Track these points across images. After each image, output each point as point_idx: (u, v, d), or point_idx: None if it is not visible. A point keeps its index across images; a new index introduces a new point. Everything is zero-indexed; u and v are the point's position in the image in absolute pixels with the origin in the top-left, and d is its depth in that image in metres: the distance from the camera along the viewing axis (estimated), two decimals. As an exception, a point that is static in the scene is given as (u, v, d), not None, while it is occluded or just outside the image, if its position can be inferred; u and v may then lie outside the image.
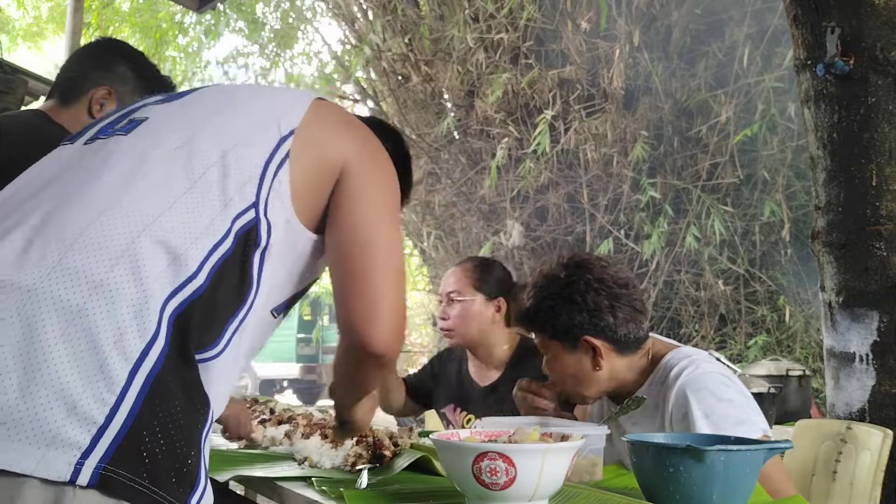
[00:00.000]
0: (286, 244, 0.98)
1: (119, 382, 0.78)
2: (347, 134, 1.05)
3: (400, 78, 8.74)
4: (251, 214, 0.93)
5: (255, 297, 0.94)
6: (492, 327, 2.14)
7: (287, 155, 0.96)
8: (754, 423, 1.39)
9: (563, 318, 1.48)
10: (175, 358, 0.83)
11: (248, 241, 0.92)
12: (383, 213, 1.02)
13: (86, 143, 1.02)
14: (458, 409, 2.22)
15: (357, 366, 1.06)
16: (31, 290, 0.80)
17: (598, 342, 1.47)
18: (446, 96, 8.67)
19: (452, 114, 8.30)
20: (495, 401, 2.09)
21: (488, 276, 2.17)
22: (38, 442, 0.74)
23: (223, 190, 0.92)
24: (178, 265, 0.85)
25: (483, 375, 2.20)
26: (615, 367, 1.50)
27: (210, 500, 0.86)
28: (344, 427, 1.25)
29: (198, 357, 0.87)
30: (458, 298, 2.13)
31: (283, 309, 1.05)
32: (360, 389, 1.16)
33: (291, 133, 0.98)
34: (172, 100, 1.08)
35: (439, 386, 2.30)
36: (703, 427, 1.35)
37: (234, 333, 0.92)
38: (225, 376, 0.92)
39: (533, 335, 1.61)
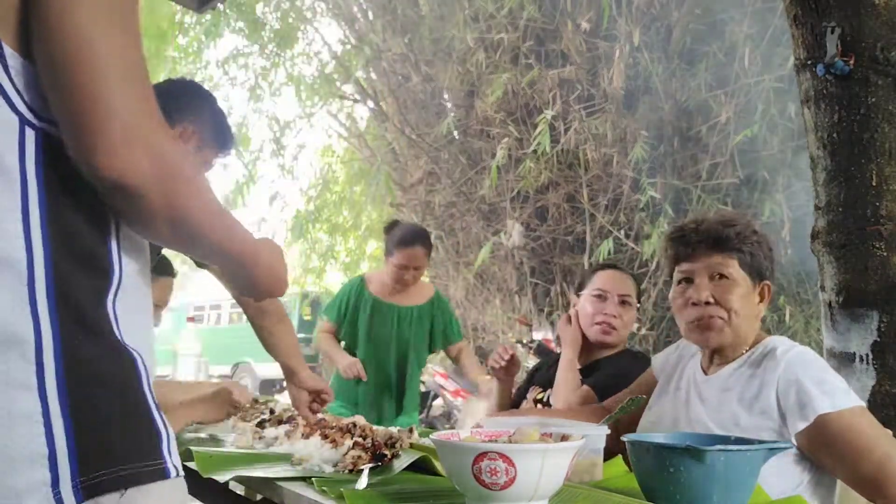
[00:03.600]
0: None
1: (37, 407, 0.75)
2: None
3: (400, 78, 8.75)
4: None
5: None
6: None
7: None
8: (855, 396, 1.47)
9: (760, 258, 1.62)
10: (73, 338, 0.77)
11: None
12: (102, 11, 0.77)
13: None
14: (536, 387, 2.37)
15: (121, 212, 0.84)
16: None
17: (770, 294, 1.63)
18: (446, 96, 8.67)
19: (452, 114, 8.30)
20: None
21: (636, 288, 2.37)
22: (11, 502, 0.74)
23: None
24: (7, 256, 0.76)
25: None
26: (757, 325, 1.63)
27: (174, 442, 0.85)
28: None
29: (99, 305, 0.80)
30: (631, 302, 2.29)
31: None
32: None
33: None
34: None
35: (538, 371, 2.49)
36: (816, 393, 1.42)
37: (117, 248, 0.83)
38: (134, 308, 0.86)
39: (708, 259, 1.63)
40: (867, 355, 2.21)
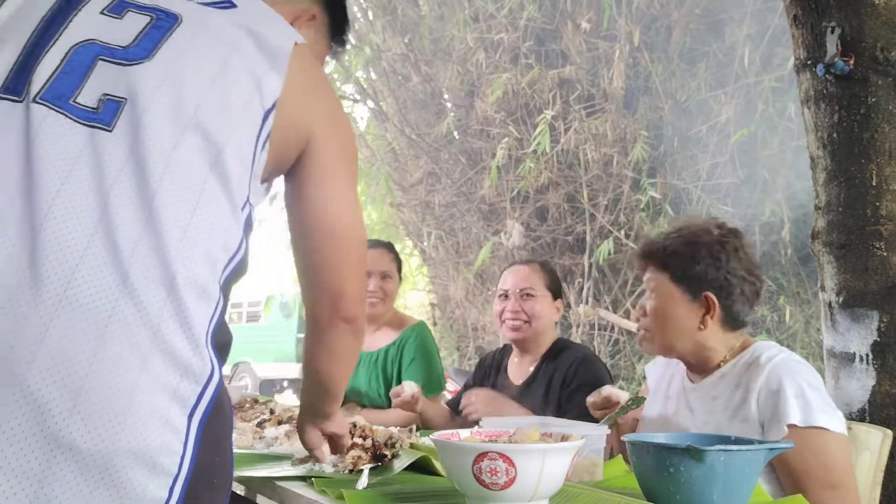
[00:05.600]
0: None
1: (182, 430, 0.79)
2: (317, 99, 0.97)
3: (400, 78, 8.74)
4: (248, 207, 0.90)
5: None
6: (550, 326, 2.25)
7: (269, 134, 0.89)
8: (836, 414, 1.42)
9: (699, 268, 1.53)
10: (220, 380, 0.83)
11: (247, 232, 0.91)
12: (346, 191, 1.00)
13: (37, 102, 0.80)
14: None
15: (333, 341, 1.06)
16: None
17: (716, 303, 1.53)
18: (446, 96, 8.67)
19: (452, 114, 8.30)
20: (527, 397, 2.16)
21: (554, 278, 2.28)
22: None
23: (229, 196, 0.85)
24: (207, 296, 0.82)
25: (518, 373, 2.27)
26: (712, 336, 1.55)
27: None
28: (311, 428, 1.23)
29: None
30: (534, 293, 2.22)
31: None
32: (340, 366, 1.13)
33: (273, 106, 0.88)
34: (146, 50, 0.85)
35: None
36: (792, 405, 1.38)
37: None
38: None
39: (647, 273, 1.62)
40: (867, 355, 2.21)
